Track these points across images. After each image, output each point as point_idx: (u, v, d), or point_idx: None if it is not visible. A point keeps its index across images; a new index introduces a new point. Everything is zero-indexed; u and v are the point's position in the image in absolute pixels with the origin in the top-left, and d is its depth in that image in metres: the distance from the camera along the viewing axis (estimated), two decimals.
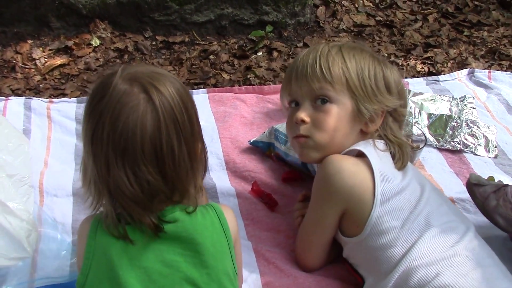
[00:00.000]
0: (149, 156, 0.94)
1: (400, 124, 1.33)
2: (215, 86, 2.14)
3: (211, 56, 2.32)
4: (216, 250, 1.03)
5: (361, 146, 1.23)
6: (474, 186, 1.45)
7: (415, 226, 1.18)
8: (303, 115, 1.25)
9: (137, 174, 0.94)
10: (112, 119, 0.93)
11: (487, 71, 2.24)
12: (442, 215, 1.23)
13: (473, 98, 2.02)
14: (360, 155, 1.23)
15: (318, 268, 1.38)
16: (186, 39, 2.41)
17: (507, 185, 1.41)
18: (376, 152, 1.23)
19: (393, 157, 1.27)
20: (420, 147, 1.65)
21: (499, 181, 1.47)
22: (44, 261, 1.36)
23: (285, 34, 2.47)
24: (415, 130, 1.72)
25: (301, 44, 2.43)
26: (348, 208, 1.20)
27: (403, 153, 1.26)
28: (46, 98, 1.99)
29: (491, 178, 1.50)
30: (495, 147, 1.81)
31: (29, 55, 2.26)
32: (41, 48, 2.30)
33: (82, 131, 0.99)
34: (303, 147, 1.27)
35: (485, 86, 2.16)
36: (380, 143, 1.27)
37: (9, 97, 1.97)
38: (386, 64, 1.32)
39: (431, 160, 1.77)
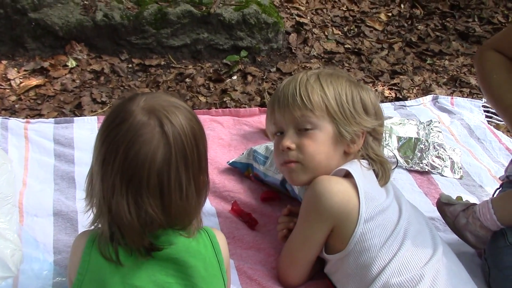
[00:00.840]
0: (153, 188, 0.97)
1: (379, 142, 1.41)
2: (192, 108, 2.18)
3: (187, 79, 2.37)
4: (208, 274, 1.06)
5: (348, 166, 1.30)
6: (444, 205, 1.54)
7: (393, 244, 1.24)
8: (288, 142, 1.32)
9: (138, 204, 0.97)
10: (126, 148, 0.96)
11: (449, 97, 2.37)
12: (417, 233, 1.30)
13: (438, 122, 2.13)
14: (347, 175, 1.29)
15: (300, 285, 1.43)
16: (162, 62, 2.45)
17: (474, 204, 1.50)
18: (362, 172, 1.30)
19: (376, 175, 1.34)
20: (392, 168, 1.73)
21: (466, 200, 1.57)
22: (27, 281, 1.36)
23: (259, 59, 2.55)
24: (386, 152, 1.81)
25: (274, 69, 2.51)
26: (335, 225, 1.26)
27: (385, 170, 1.35)
28: (23, 118, 1.99)
29: (459, 198, 1.60)
30: (460, 168, 1.92)
31: (3, 75, 2.25)
32: (16, 69, 2.29)
33: (94, 149, 1.02)
34: (291, 172, 1.34)
35: (449, 112, 2.29)
36: (364, 163, 1.34)
37: None
38: (362, 86, 1.41)
39: (401, 180, 1.86)
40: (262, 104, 2.24)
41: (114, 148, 0.97)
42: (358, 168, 1.31)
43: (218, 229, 1.57)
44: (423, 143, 1.95)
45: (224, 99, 2.25)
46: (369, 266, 1.23)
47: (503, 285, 1.42)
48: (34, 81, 2.23)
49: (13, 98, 2.15)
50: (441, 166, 1.91)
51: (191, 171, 0.99)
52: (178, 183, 0.98)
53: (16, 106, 2.11)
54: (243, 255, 1.51)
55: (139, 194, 0.96)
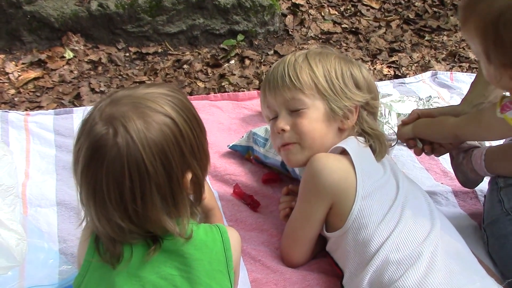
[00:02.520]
0: (115, 200, 0.94)
1: (374, 116, 1.41)
2: (190, 94, 2.18)
3: (185, 66, 2.37)
4: (213, 268, 1.03)
5: (344, 144, 1.30)
6: (452, 160, 1.62)
7: (392, 221, 1.24)
8: (282, 124, 1.33)
9: (105, 215, 0.95)
10: (85, 162, 0.94)
11: (449, 72, 2.36)
12: (415, 209, 1.29)
13: (438, 98, 2.13)
14: (343, 152, 1.30)
15: (303, 264, 1.44)
16: (159, 50, 2.45)
17: (477, 147, 1.53)
18: (359, 148, 1.30)
19: (373, 150, 1.34)
20: (392, 145, 1.73)
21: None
22: (33, 270, 1.37)
23: (256, 43, 2.54)
24: (386, 130, 1.80)
25: (271, 52, 2.50)
26: (334, 202, 1.27)
27: (381, 144, 1.35)
28: (23, 111, 2.00)
29: None
30: None
31: (1, 69, 2.26)
32: (13, 62, 2.30)
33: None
34: (288, 154, 1.35)
35: (448, 87, 2.28)
36: (361, 139, 1.34)
37: None
38: (353, 62, 1.41)
39: (402, 157, 1.86)
40: (260, 87, 2.23)
41: (77, 161, 0.96)
42: (354, 145, 1.31)
43: (220, 211, 1.59)
44: None
45: (223, 84, 2.25)
46: (368, 243, 1.23)
47: (501, 254, 1.43)
48: (32, 74, 2.24)
49: (12, 91, 2.15)
50: None
51: (152, 179, 0.93)
52: (137, 193, 0.93)
53: (16, 99, 2.11)
54: (246, 237, 1.52)
55: (105, 206, 0.94)
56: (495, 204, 1.46)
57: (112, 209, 0.94)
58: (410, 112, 1.95)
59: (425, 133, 1.46)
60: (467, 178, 1.58)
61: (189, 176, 0.99)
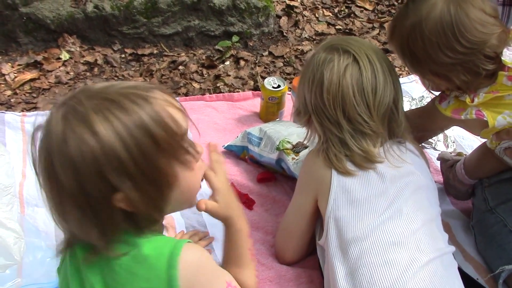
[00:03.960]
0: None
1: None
2: (186, 95, 2.20)
3: (180, 67, 2.39)
4: (150, 286, 0.92)
5: None
6: (442, 163, 1.70)
7: (371, 236, 1.21)
8: None
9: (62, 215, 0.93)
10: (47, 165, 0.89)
11: None
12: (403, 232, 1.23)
13: (431, 98, 2.15)
14: None
15: (297, 261, 1.46)
16: (155, 51, 2.46)
17: (458, 160, 1.60)
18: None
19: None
20: None
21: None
22: (30, 268, 1.39)
23: (251, 44, 2.56)
24: None
25: (266, 53, 2.53)
26: (317, 198, 1.31)
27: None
28: (19, 112, 2.01)
29: (460, 154, 1.68)
30: (453, 142, 1.94)
31: None
32: (10, 64, 2.31)
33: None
34: None
35: None
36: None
37: None
38: None
39: None
40: (255, 88, 2.26)
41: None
42: None
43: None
44: None
45: (218, 85, 2.27)
46: (345, 254, 1.22)
47: (488, 251, 1.46)
48: (28, 75, 2.25)
49: (9, 92, 2.16)
50: (434, 140, 1.93)
51: (65, 190, 0.86)
52: (56, 199, 0.90)
53: (12, 100, 2.12)
54: None
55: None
56: (481, 202, 1.50)
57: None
58: None
59: None
60: (457, 190, 1.65)
61: (118, 196, 0.88)
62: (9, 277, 1.39)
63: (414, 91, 2.24)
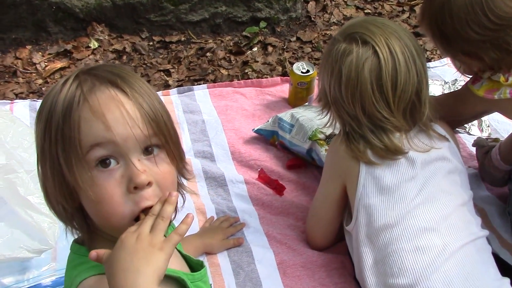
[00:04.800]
0: None
1: None
2: (214, 81, 2.19)
3: (208, 54, 2.38)
4: None
5: None
6: (477, 149, 1.65)
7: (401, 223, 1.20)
8: None
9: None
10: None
11: None
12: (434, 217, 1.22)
13: (464, 81, 2.09)
14: None
15: (328, 246, 1.45)
16: (182, 38, 2.46)
17: (494, 146, 1.57)
18: None
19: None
20: None
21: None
22: (64, 253, 1.40)
23: (278, 30, 2.54)
24: None
25: (294, 38, 2.50)
26: (345, 185, 1.29)
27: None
28: None
29: (496, 140, 1.64)
30: (488, 126, 1.89)
31: (29, 60, 2.30)
32: (40, 53, 2.34)
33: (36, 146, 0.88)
34: None
35: None
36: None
37: (14, 101, 2.01)
38: None
39: None
40: (283, 74, 2.23)
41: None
42: None
43: (246, 195, 1.59)
44: None
45: (246, 71, 2.25)
46: (374, 241, 1.22)
47: None
48: (58, 64, 2.27)
49: (40, 81, 2.19)
50: (468, 125, 1.88)
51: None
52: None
53: (43, 89, 2.15)
54: (272, 220, 1.53)
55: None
56: None
57: None
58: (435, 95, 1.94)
59: None
60: (493, 177, 1.60)
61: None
62: (44, 261, 1.41)
63: (447, 75, 2.18)
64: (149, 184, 0.81)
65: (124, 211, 0.80)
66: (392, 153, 1.21)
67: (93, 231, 0.87)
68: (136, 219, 0.81)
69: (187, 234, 1.34)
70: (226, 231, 1.47)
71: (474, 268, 1.14)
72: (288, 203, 1.59)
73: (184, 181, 0.97)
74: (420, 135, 1.25)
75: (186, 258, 1.02)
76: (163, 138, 0.84)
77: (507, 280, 1.19)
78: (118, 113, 0.80)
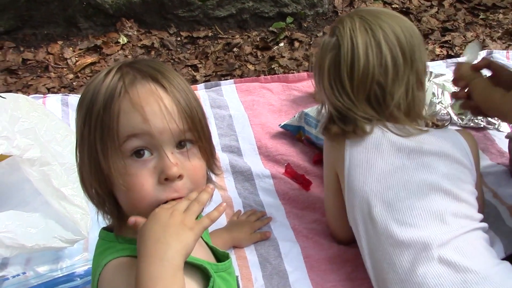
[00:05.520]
0: None
1: None
2: (241, 77, 2.21)
3: (235, 49, 2.40)
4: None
5: None
6: (510, 141, 1.59)
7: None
8: None
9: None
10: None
11: (505, 51, 2.29)
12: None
13: None
14: None
15: (349, 239, 1.44)
16: (210, 34, 2.48)
17: None
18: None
19: None
20: (446, 125, 1.71)
21: None
22: (96, 243, 1.44)
23: (305, 25, 2.54)
24: (439, 109, 1.78)
25: (321, 33, 2.50)
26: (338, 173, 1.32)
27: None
28: None
29: None
30: None
31: (60, 55, 2.35)
32: (71, 48, 2.39)
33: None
34: None
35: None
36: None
37: (46, 95, 2.06)
38: None
39: None
40: (310, 69, 2.24)
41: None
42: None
43: (273, 189, 1.61)
44: None
45: (272, 66, 2.27)
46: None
47: None
48: (89, 59, 2.32)
49: (71, 76, 2.24)
50: (497, 121, 1.86)
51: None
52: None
53: (74, 83, 2.20)
54: (298, 215, 1.54)
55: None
56: None
57: None
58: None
59: (477, 98, 1.35)
60: None
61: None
62: (77, 251, 1.45)
63: None
64: (180, 177, 0.84)
65: (152, 199, 0.83)
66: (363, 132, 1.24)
67: (122, 218, 0.90)
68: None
69: (215, 227, 1.40)
70: (253, 225, 1.49)
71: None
72: (315, 198, 1.59)
73: (213, 176, 1.00)
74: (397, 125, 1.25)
75: (213, 250, 1.04)
76: (196, 134, 0.87)
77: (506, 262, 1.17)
78: (156, 107, 0.83)
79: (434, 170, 1.21)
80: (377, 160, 1.23)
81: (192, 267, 0.87)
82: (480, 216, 1.24)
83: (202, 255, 0.95)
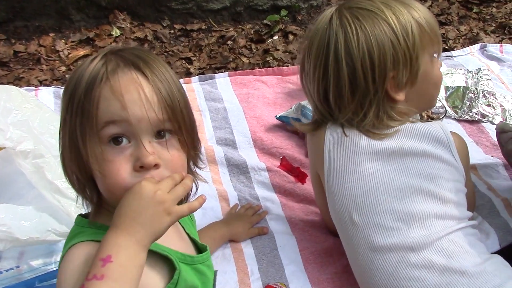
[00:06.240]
0: None
1: None
2: (235, 69, 2.20)
3: (229, 42, 2.38)
4: None
5: None
6: (500, 133, 1.56)
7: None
8: None
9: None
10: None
11: (498, 45, 2.29)
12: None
13: (488, 70, 2.08)
14: None
15: None
16: (203, 26, 2.47)
17: None
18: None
19: None
20: (441, 117, 1.71)
21: None
22: None
23: (299, 18, 2.53)
24: None
25: None
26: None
27: None
28: None
29: None
30: None
31: (52, 47, 2.33)
32: (63, 40, 2.36)
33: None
34: None
35: (498, 60, 2.22)
36: None
37: (39, 87, 2.04)
38: None
39: (450, 130, 1.83)
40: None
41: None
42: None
43: (268, 183, 1.60)
44: (472, 92, 1.90)
45: (267, 59, 2.26)
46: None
47: None
48: (81, 51, 2.30)
49: (63, 68, 2.22)
50: (491, 114, 1.86)
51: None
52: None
53: (67, 76, 2.18)
54: (294, 207, 1.54)
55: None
56: None
57: None
58: (457, 86, 1.92)
59: None
60: None
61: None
62: None
63: (470, 64, 2.16)
64: (156, 165, 0.84)
65: (128, 186, 0.83)
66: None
67: (101, 204, 0.91)
68: None
69: (213, 220, 1.39)
70: (251, 219, 1.48)
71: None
72: (310, 191, 1.59)
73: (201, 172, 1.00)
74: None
75: (195, 242, 1.03)
76: (176, 125, 0.87)
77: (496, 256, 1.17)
78: (136, 95, 0.83)
79: (415, 171, 1.16)
80: (356, 163, 1.19)
81: (158, 256, 0.88)
82: (468, 213, 1.21)
83: (178, 246, 0.94)
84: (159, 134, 0.86)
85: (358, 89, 1.15)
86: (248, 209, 1.51)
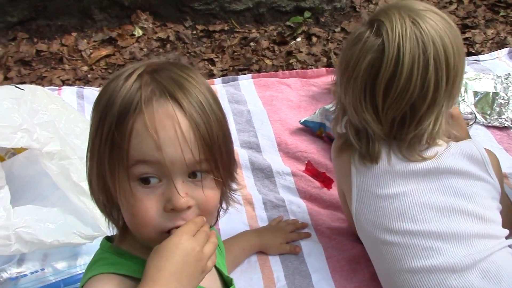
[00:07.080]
0: None
1: None
2: (258, 71, 2.18)
3: (252, 43, 2.36)
4: None
5: None
6: None
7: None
8: None
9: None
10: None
11: None
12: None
13: None
14: None
15: None
16: (226, 27, 2.45)
17: None
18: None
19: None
20: (470, 124, 1.67)
21: None
22: None
23: (323, 20, 2.50)
24: (463, 108, 1.74)
25: (338, 29, 2.46)
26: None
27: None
28: (97, 87, 2.05)
29: None
30: None
31: (74, 47, 2.32)
32: (85, 40, 2.36)
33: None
34: None
35: None
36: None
37: (62, 87, 2.03)
38: None
39: (479, 137, 1.79)
40: (328, 65, 2.20)
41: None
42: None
43: (294, 187, 1.58)
44: (502, 98, 1.86)
45: (290, 61, 2.23)
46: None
47: None
48: (104, 51, 2.29)
49: (85, 68, 2.21)
50: None
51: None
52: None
53: (89, 76, 2.17)
54: (320, 213, 1.51)
55: None
56: None
57: None
58: (486, 91, 1.88)
59: None
60: None
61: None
62: (94, 248, 1.39)
63: (498, 69, 2.12)
64: (188, 207, 0.80)
65: (156, 226, 0.79)
66: (369, 160, 1.15)
67: (126, 229, 0.87)
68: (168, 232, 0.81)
69: (238, 225, 1.36)
70: (288, 236, 1.42)
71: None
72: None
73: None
74: (404, 148, 1.14)
75: (219, 272, 1.00)
76: (213, 164, 0.80)
77: None
78: (172, 133, 0.76)
79: (453, 190, 1.12)
80: (389, 183, 1.14)
81: None
82: (505, 231, 1.17)
83: (207, 282, 0.89)
84: (193, 174, 0.80)
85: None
86: (289, 225, 1.45)
